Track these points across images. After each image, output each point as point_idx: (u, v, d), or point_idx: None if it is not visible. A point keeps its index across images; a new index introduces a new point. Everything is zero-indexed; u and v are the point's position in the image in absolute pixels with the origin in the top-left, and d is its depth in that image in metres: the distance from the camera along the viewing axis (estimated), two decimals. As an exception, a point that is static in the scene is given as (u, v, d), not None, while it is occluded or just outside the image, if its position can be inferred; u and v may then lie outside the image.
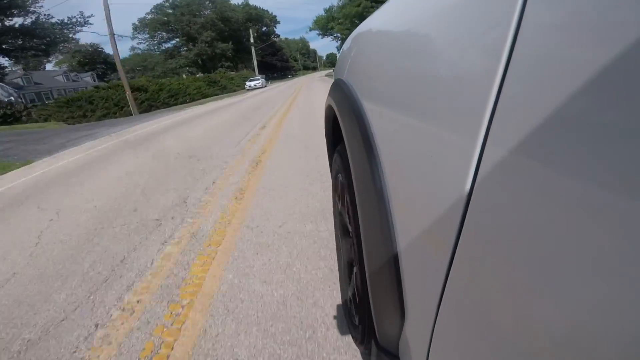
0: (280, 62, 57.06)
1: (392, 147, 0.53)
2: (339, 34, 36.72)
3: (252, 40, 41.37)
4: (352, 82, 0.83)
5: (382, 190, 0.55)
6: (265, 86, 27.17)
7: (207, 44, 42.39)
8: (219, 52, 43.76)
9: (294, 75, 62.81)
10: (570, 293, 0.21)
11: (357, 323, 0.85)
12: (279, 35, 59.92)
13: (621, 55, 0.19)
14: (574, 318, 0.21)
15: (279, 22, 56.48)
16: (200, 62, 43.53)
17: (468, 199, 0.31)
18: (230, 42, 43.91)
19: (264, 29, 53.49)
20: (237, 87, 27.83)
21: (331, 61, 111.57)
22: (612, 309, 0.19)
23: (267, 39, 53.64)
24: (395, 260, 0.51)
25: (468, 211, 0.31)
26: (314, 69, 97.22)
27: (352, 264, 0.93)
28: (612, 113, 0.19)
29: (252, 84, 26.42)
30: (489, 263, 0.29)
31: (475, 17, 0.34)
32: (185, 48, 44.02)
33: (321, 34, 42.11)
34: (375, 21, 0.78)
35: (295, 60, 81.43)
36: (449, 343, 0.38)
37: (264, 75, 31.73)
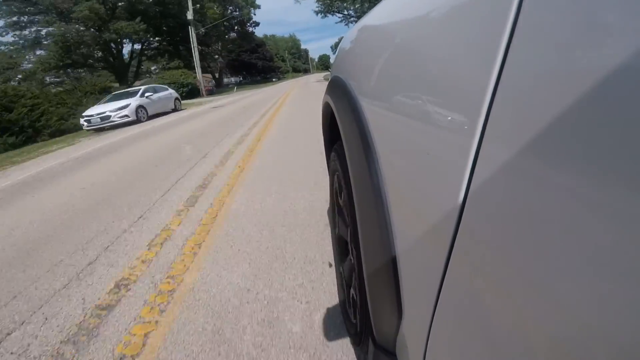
0: (262, 61, 43.64)
1: (390, 144, 0.53)
2: (352, 10, 20.45)
3: (189, 15, 21.28)
4: (349, 79, 0.82)
5: (380, 188, 0.55)
6: (173, 110, 11.44)
7: (83, 24, 21.13)
8: (116, 40, 23.14)
9: (280, 78, 49.84)
10: (566, 292, 0.21)
11: (354, 321, 0.85)
12: (258, 24, 41.40)
13: (615, 54, 0.19)
14: (570, 317, 0.21)
15: (258, 7, 39.05)
16: (110, 58, 24.06)
17: (465, 196, 0.31)
18: (139, 18, 22.76)
19: (235, 12, 35.99)
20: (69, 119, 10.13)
21: (324, 64, 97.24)
22: (610, 309, 0.19)
23: (241, 29, 38.23)
24: (392, 258, 0.52)
25: (465, 209, 0.31)
26: (305, 71, 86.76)
27: (350, 263, 0.93)
28: (608, 111, 0.19)
29: (98, 113, 8.83)
30: (486, 261, 0.29)
31: (472, 16, 0.35)
32: (49, 34, 21.90)
33: (322, 11, 21.99)
34: (373, 18, 0.77)
35: (283, 61, 68.30)
36: (446, 341, 0.38)
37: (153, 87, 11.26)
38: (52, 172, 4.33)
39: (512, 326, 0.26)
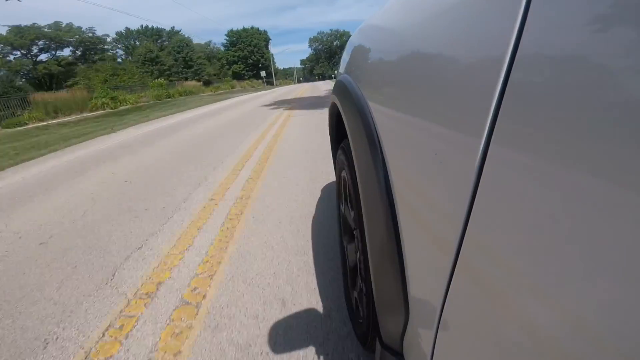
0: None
1: (396, 144, 0.53)
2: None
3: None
4: (356, 79, 0.83)
5: (387, 188, 0.55)
6: None
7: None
8: None
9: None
10: (576, 293, 0.21)
11: (361, 321, 0.85)
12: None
13: (625, 55, 0.18)
14: (580, 318, 0.21)
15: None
16: None
17: (472, 197, 0.31)
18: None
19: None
20: None
21: (321, 73, 60.50)
22: (619, 314, 0.18)
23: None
24: (399, 257, 0.52)
25: (472, 209, 0.31)
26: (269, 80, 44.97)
27: (356, 266, 0.93)
28: (616, 112, 0.19)
29: None
30: (494, 261, 0.29)
31: (480, 16, 0.34)
32: None
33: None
34: (380, 17, 0.77)
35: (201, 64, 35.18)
36: (453, 341, 0.38)
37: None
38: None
39: (519, 326, 0.26)
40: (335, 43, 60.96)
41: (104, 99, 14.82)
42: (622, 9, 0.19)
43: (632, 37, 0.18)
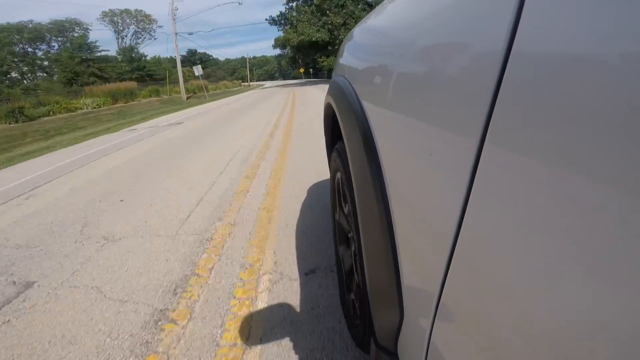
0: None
1: (392, 145, 0.53)
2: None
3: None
4: (351, 80, 0.83)
5: (382, 188, 0.55)
6: None
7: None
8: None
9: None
10: (569, 293, 0.21)
11: (356, 322, 0.85)
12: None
13: (619, 53, 0.19)
14: (572, 318, 0.21)
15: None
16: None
17: (467, 197, 0.31)
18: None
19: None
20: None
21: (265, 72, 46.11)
22: (611, 311, 0.19)
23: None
24: (394, 258, 0.52)
25: (467, 209, 0.31)
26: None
27: (351, 266, 0.93)
28: (610, 111, 0.19)
29: None
30: (488, 261, 0.29)
31: (474, 16, 0.35)
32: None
33: None
34: (374, 20, 0.78)
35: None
36: (447, 341, 0.38)
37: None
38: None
39: (513, 326, 0.26)
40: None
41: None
42: (617, 8, 0.20)
43: (627, 36, 0.19)
